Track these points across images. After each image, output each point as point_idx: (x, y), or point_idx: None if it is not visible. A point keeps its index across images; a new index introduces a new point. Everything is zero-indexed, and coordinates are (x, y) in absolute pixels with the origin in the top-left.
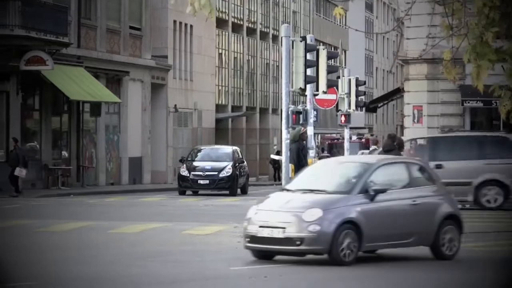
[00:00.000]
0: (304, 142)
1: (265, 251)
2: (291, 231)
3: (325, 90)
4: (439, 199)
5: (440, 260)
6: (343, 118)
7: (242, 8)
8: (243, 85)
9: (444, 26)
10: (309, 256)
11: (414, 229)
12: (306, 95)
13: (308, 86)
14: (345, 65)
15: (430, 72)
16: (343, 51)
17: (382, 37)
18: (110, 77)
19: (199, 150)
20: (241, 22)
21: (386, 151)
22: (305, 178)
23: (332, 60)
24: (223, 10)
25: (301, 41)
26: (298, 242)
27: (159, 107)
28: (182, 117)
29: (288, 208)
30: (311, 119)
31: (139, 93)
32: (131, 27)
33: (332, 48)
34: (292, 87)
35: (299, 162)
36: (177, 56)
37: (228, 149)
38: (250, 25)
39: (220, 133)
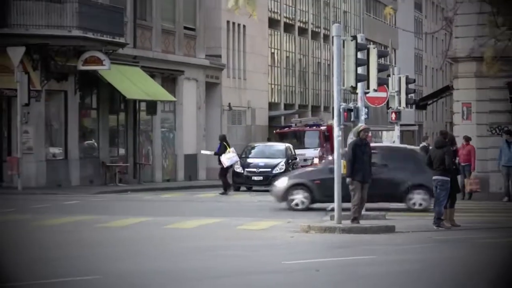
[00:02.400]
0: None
1: None
2: None
3: (375, 88)
4: None
5: None
6: (393, 116)
7: (293, 8)
8: (295, 83)
9: (491, 24)
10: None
11: None
12: (357, 93)
13: (359, 84)
14: (395, 63)
15: (479, 70)
16: (393, 50)
17: (431, 36)
18: (166, 76)
19: (253, 147)
20: (293, 22)
21: (438, 147)
22: None
23: (382, 58)
24: (275, 10)
25: (351, 40)
26: None
27: (213, 105)
28: (236, 115)
29: None
30: (362, 117)
31: (194, 91)
32: (185, 27)
33: (382, 47)
34: (344, 85)
35: (355, 158)
36: (230, 55)
37: (281, 146)
38: (301, 25)
39: (274, 131)
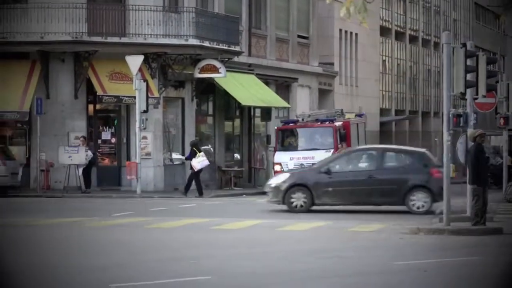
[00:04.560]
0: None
1: None
2: None
3: (484, 94)
4: None
5: None
6: (502, 121)
7: (404, 17)
8: (405, 90)
9: None
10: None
11: None
12: (466, 99)
13: (468, 90)
14: (503, 70)
15: None
16: (501, 57)
17: None
18: (280, 83)
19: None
20: (404, 30)
21: None
22: None
23: (491, 65)
24: (387, 18)
25: (461, 48)
26: None
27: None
28: None
29: None
30: (471, 122)
31: (307, 98)
32: (299, 36)
33: (491, 54)
34: (453, 92)
35: (478, 163)
36: (342, 63)
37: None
38: (412, 32)
39: (384, 136)
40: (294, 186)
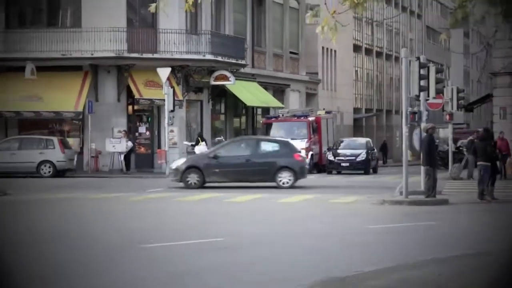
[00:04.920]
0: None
1: None
2: None
3: (434, 96)
4: None
5: None
6: (448, 117)
7: (372, 37)
8: (373, 93)
9: None
10: (426, 221)
11: None
12: (420, 100)
13: (421, 93)
14: (448, 77)
15: None
16: (447, 67)
17: (476, 56)
18: (276, 88)
19: (342, 141)
20: (371, 47)
21: (481, 140)
22: None
23: (439, 74)
24: (358, 38)
25: (416, 61)
26: None
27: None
28: None
29: None
30: (424, 118)
31: (297, 100)
32: (290, 52)
33: (439, 65)
34: (410, 94)
35: (430, 149)
36: (324, 72)
37: (363, 140)
38: (378, 49)
39: (357, 129)
40: (189, 168)
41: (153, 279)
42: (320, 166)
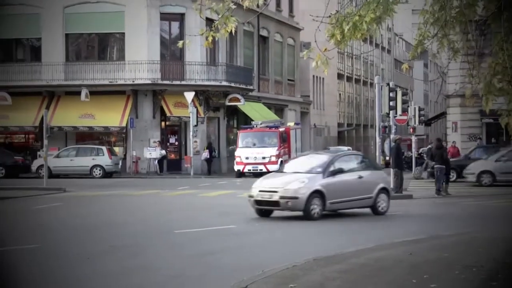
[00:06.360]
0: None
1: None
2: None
3: (400, 113)
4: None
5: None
6: (411, 130)
7: (352, 67)
8: (353, 111)
9: (468, 75)
10: (397, 210)
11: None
12: (389, 116)
13: (391, 111)
14: (412, 99)
15: (462, 102)
16: (410, 91)
17: (434, 82)
18: (277, 108)
19: (328, 149)
20: (351, 75)
21: (437, 148)
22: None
23: (404, 96)
24: (341, 68)
25: (386, 86)
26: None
27: (305, 125)
28: (318, 130)
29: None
30: (393, 130)
31: (294, 117)
32: (288, 79)
33: (404, 89)
34: (382, 112)
35: (398, 155)
36: (315, 95)
37: (344, 148)
38: (356, 77)
39: (341, 139)
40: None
41: (182, 259)
42: None
